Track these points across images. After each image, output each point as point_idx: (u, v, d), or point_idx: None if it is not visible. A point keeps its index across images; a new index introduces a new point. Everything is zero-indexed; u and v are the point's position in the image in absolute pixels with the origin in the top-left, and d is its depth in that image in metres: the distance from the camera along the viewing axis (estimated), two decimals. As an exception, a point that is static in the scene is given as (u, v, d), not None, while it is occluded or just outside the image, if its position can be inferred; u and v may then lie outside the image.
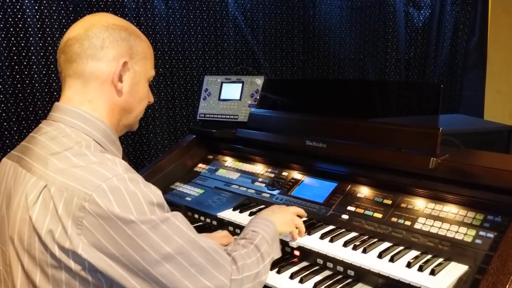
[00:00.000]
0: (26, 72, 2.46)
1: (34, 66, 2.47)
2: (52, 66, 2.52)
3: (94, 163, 1.08)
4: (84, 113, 1.19)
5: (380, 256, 1.42)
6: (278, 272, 1.51)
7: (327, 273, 1.51)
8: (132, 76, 1.25)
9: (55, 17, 2.50)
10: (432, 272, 1.31)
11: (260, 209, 1.81)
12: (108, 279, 1.06)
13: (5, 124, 2.44)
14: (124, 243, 1.03)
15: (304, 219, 1.71)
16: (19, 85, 2.46)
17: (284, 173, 1.97)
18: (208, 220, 1.85)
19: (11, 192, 1.16)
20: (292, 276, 1.48)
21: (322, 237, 1.56)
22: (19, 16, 2.41)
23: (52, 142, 1.14)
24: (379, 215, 1.60)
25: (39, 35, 2.48)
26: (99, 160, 1.09)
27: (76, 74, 1.19)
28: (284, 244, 1.62)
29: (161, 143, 2.92)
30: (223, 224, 1.79)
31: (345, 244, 1.50)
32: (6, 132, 2.44)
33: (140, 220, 1.03)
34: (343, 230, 1.61)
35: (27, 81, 2.47)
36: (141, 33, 1.30)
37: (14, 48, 2.42)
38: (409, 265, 1.36)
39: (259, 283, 1.30)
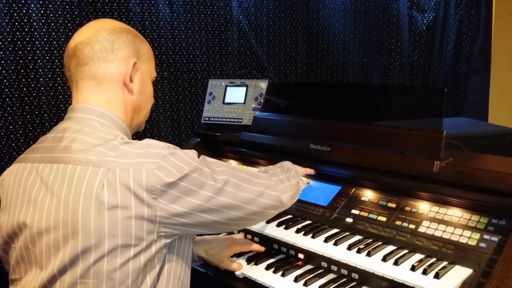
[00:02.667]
0: (32, 76, 2.48)
1: (40, 70, 2.49)
2: (57, 70, 2.53)
3: (142, 142, 1.18)
4: (108, 112, 1.25)
5: (384, 259, 1.42)
6: (283, 275, 1.52)
7: (331, 276, 1.52)
8: (140, 76, 1.33)
9: (60, 21, 2.52)
10: (437, 276, 1.31)
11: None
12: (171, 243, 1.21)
13: (11, 127, 2.46)
14: (196, 187, 1.17)
15: (308, 222, 1.71)
16: (25, 89, 2.48)
17: (288, 176, 1.97)
18: (212, 223, 1.86)
19: (48, 192, 1.15)
20: (296, 279, 1.49)
21: (326, 240, 1.57)
22: (25, 20, 2.43)
23: (90, 137, 1.19)
24: (383, 219, 1.60)
25: (45, 39, 2.50)
26: (143, 141, 1.19)
27: (89, 77, 1.25)
28: (288, 247, 1.63)
29: (166, 146, 2.93)
30: (228, 227, 1.79)
31: (349, 248, 1.51)
32: (12, 136, 2.46)
33: (199, 163, 1.19)
34: (347, 233, 1.61)
35: (32, 85, 2.49)
36: (143, 37, 1.38)
37: (20, 52, 2.44)
38: (413, 268, 1.36)
39: (296, 188, 1.56)
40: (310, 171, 1.83)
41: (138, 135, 2.80)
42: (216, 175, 1.22)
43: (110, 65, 1.25)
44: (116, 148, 1.15)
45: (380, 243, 1.53)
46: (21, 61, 2.45)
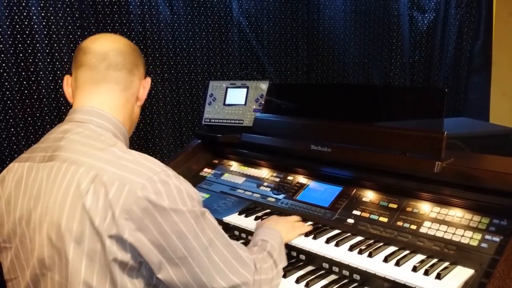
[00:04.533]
0: (33, 78, 2.49)
1: (41, 72, 2.49)
2: (58, 72, 2.54)
3: (141, 158, 1.17)
4: (112, 117, 1.30)
5: (385, 260, 1.42)
6: (284, 276, 1.52)
7: (333, 277, 1.52)
8: (143, 93, 1.42)
9: (61, 23, 2.52)
10: (438, 276, 1.31)
11: (266, 214, 1.82)
12: (143, 263, 1.14)
13: (12, 130, 2.46)
14: (170, 230, 1.11)
15: (310, 223, 1.71)
16: (26, 91, 2.48)
17: (289, 178, 1.98)
18: (214, 225, 1.86)
19: (42, 189, 1.18)
20: (298, 280, 1.49)
21: (328, 241, 1.57)
22: (26, 23, 2.43)
23: (91, 140, 1.21)
24: (385, 219, 1.60)
25: (46, 42, 2.50)
26: (144, 157, 1.18)
27: (117, 82, 1.32)
28: (289, 248, 1.62)
29: (167, 148, 2.93)
30: (229, 229, 1.79)
31: (351, 248, 1.50)
32: (13, 138, 2.47)
33: (187, 209, 1.13)
34: (349, 234, 1.61)
35: (34, 87, 2.50)
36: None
37: (21, 55, 2.45)
38: (414, 269, 1.36)
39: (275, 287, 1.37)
40: (306, 228, 1.64)
41: (139, 138, 2.81)
42: (200, 234, 1.15)
43: (134, 77, 1.35)
44: (113, 154, 1.16)
45: (382, 244, 1.52)
46: (22, 64, 2.46)
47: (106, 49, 1.31)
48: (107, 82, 1.30)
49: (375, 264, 1.42)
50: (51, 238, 1.13)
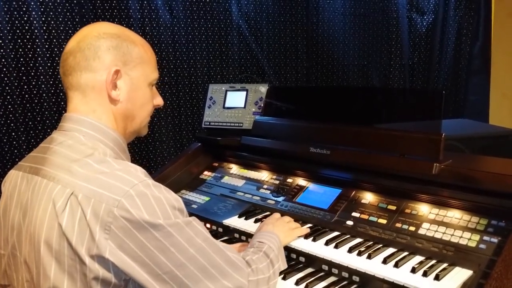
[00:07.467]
0: (33, 83, 2.50)
1: (42, 77, 2.51)
2: (59, 76, 2.53)
3: (118, 170, 1.10)
4: (95, 122, 1.22)
5: (384, 261, 1.42)
6: (284, 278, 1.52)
7: (332, 279, 1.52)
8: (129, 83, 1.24)
9: (61, 27, 2.54)
10: (437, 277, 1.31)
11: (265, 216, 1.82)
12: (129, 281, 1.09)
13: (13, 134, 2.47)
14: (151, 246, 1.06)
15: (309, 225, 1.72)
16: (26, 96, 2.50)
17: (289, 180, 1.98)
18: (214, 228, 1.87)
19: (28, 203, 1.17)
20: (297, 283, 1.49)
21: (327, 243, 1.57)
22: (26, 27, 2.45)
23: (70, 150, 1.16)
24: (384, 221, 1.61)
25: (46, 46, 2.52)
26: (122, 167, 1.11)
27: (74, 87, 1.22)
28: (289, 250, 1.63)
29: (167, 151, 2.94)
30: (229, 231, 1.80)
31: (350, 250, 1.51)
32: (14, 142, 2.48)
33: (167, 223, 1.07)
34: (348, 236, 1.61)
35: (34, 91, 2.51)
36: (137, 38, 1.28)
37: (21, 59, 2.46)
38: (413, 270, 1.36)
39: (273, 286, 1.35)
40: (304, 231, 1.63)
41: (139, 141, 2.82)
42: (187, 245, 1.10)
43: (92, 74, 1.19)
44: (88, 167, 1.10)
45: (381, 245, 1.53)
46: (22, 68, 2.47)
47: (63, 54, 1.24)
48: (68, 89, 1.24)
49: (374, 266, 1.42)
50: (35, 255, 1.12)
